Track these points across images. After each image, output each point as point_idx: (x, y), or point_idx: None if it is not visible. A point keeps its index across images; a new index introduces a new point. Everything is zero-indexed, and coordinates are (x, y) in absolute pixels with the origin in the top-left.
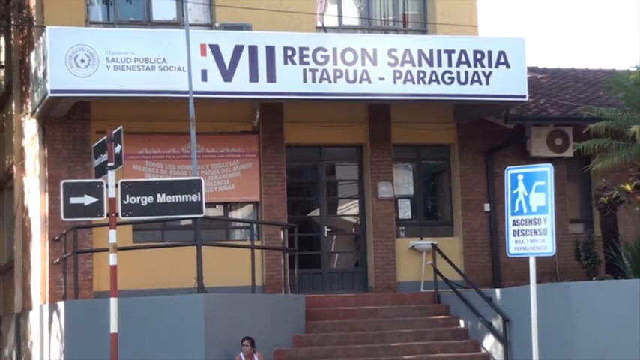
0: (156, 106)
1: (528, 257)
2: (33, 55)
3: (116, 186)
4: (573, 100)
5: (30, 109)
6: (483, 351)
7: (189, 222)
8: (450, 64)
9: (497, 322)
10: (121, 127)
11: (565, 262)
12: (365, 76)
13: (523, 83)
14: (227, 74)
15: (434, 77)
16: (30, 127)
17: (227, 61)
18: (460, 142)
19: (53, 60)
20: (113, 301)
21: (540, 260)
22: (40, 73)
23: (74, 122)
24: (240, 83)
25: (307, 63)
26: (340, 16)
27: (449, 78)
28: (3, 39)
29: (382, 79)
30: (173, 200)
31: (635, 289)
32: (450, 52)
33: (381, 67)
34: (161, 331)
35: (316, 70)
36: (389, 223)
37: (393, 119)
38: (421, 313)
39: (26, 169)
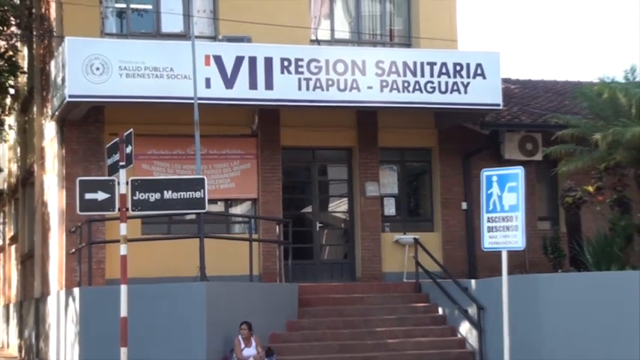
0: (164, 111)
1: (501, 251)
2: (53, 63)
3: (127, 183)
4: (542, 109)
5: (49, 113)
6: (459, 336)
7: (193, 216)
8: (431, 75)
9: (472, 310)
10: (131, 129)
11: (534, 256)
12: (354, 85)
13: (498, 93)
14: (229, 82)
15: (417, 87)
16: (49, 129)
17: (229, 70)
18: (440, 146)
19: (71, 68)
20: (123, 288)
21: (512, 254)
22: (59, 80)
23: (89, 125)
24: (241, 90)
25: (302, 72)
26: (332, 30)
27: (431, 88)
28: (26, 48)
29: (370, 88)
30: (178, 197)
31: (596, 280)
32: (431, 64)
33: (369, 77)
34: (167, 315)
35: (310, 79)
36: (375, 219)
37: (379, 124)
38: (403, 301)
39: (46, 167)
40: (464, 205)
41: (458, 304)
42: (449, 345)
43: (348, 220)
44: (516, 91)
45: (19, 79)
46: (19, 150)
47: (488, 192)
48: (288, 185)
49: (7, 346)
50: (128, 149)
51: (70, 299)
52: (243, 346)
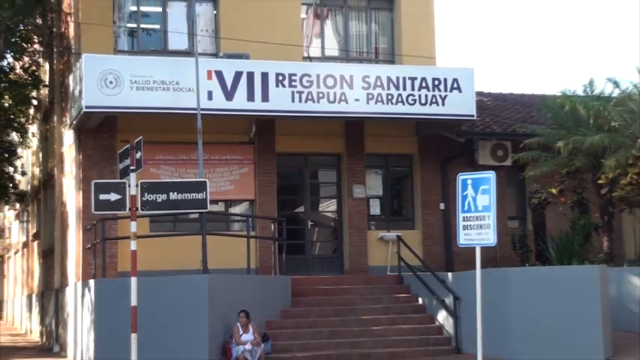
0: (170, 120)
1: (475, 247)
2: (71, 77)
3: (137, 185)
4: (512, 120)
5: (68, 122)
6: (437, 323)
7: (196, 215)
8: (413, 89)
9: (449, 300)
10: (141, 137)
11: (504, 251)
12: (343, 98)
13: (472, 105)
14: (229, 95)
15: (400, 99)
16: (68, 136)
17: (229, 84)
18: (420, 153)
19: (87, 81)
20: (133, 280)
21: (484, 250)
22: (76, 92)
23: (103, 133)
24: (240, 102)
25: (295, 86)
26: (323, 48)
27: (412, 100)
28: (47, 64)
29: (357, 100)
30: (183, 198)
31: (558, 273)
32: (412, 79)
33: (356, 91)
34: (172, 304)
35: (303, 92)
36: (361, 218)
37: (365, 133)
38: (387, 292)
39: (65, 171)
40: (442, 206)
41: (436, 294)
42: (428, 331)
43: (337, 219)
44: (488, 104)
45: (42, 92)
46: (40, 155)
47: (464, 194)
48: (283, 187)
49: (30, 332)
50: (138, 155)
51: (86, 290)
52: (241, 332)
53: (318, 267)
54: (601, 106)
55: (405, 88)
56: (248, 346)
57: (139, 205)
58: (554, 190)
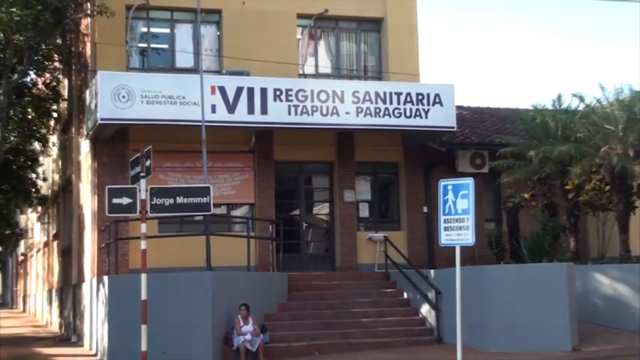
0: (177, 131)
1: (455, 246)
2: (87, 92)
3: (146, 190)
4: (488, 131)
5: (85, 133)
6: (421, 316)
7: (201, 218)
8: (398, 103)
9: (431, 295)
10: (150, 146)
11: (481, 250)
12: (335, 111)
13: (452, 118)
14: (231, 108)
15: (387, 112)
16: (84, 146)
17: (231, 98)
18: (405, 161)
19: (102, 96)
20: (143, 276)
21: (463, 249)
22: (92, 106)
23: (116, 142)
24: (241, 115)
25: (291, 100)
26: (317, 66)
27: (398, 113)
28: (66, 80)
29: (348, 113)
30: (188, 201)
31: (530, 270)
32: (398, 94)
33: (347, 105)
34: (179, 298)
35: (298, 105)
36: (352, 220)
37: (355, 143)
38: (375, 287)
39: (81, 177)
40: (425, 209)
41: (420, 289)
42: (412, 323)
43: (329, 220)
44: (467, 116)
45: (61, 105)
46: (60, 163)
47: (445, 198)
48: (280, 192)
49: (50, 324)
50: (148, 163)
51: (101, 285)
52: (242, 323)
53: (312, 264)
54: (568, 118)
55: (391, 102)
56: (248, 337)
57: (148, 208)
58: (526, 195)
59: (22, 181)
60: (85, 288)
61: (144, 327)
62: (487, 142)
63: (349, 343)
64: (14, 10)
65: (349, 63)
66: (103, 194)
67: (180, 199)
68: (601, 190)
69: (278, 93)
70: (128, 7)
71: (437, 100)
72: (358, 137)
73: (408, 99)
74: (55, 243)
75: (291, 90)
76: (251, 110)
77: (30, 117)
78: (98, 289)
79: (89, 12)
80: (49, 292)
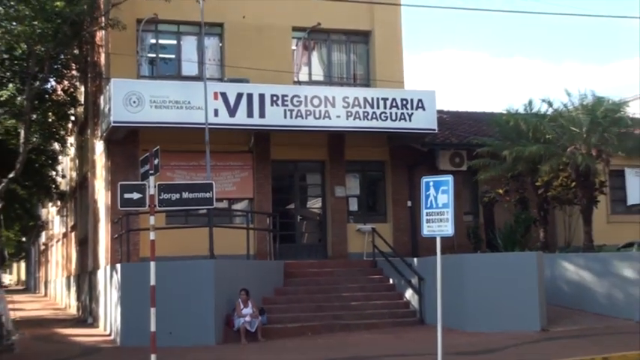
0: (183, 133)
1: (436, 237)
2: (102, 97)
3: (155, 186)
4: (466, 133)
5: (99, 134)
6: (405, 299)
7: (204, 211)
8: (384, 107)
9: (414, 280)
10: (158, 146)
11: (460, 240)
12: (327, 115)
13: (434, 121)
14: (232, 112)
15: (374, 116)
16: (99, 146)
17: (232, 103)
18: (391, 160)
19: (115, 101)
20: (152, 264)
21: (444, 239)
22: (106, 110)
23: (128, 143)
24: (241, 118)
25: (287, 105)
26: (310, 74)
27: (384, 117)
28: (83, 87)
29: (338, 116)
30: (193, 196)
31: (504, 258)
32: (384, 99)
33: (337, 109)
34: (185, 284)
35: (293, 110)
36: (342, 213)
37: (345, 144)
38: (363, 274)
39: (96, 174)
40: (409, 203)
41: (404, 276)
42: (397, 306)
43: (321, 214)
44: (447, 119)
45: (78, 110)
46: (77, 162)
47: (427, 193)
48: (276, 188)
49: (69, 307)
50: (156, 161)
51: (114, 272)
52: (242, 306)
53: (306, 253)
54: (538, 122)
55: (378, 107)
56: (248, 318)
57: (156, 202)
58: (500, 191)
59: (43, 178)
60: (100, 274)
61: (153, 310)
62: (465, 142)
63: (340, 324)
64: (36, 23)
65: (340, 71)
66: (115, 190)
67: (185, 194)
68: (567, 186)
69: (275, 98)
70: (139, 20)
71: (419, 105)
72: (348, 138)
73: (394, 104)
74: (73, 234)
75: (286, 96)
76: (250, 114)
77: (50, 120)
78: (111, 276)
79: (103, 25)
80: (68, 278)
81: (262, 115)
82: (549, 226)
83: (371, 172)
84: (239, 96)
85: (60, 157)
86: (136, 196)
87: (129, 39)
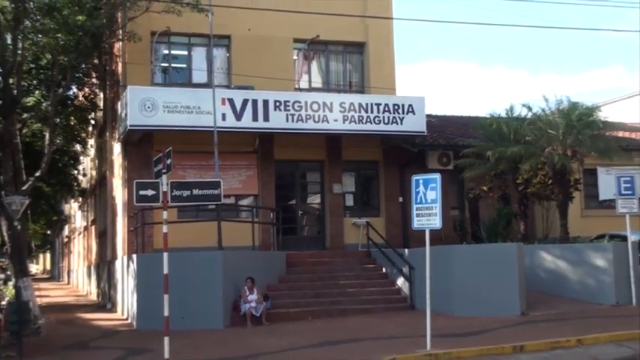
0: (193, 136)
1: (425, 230)
2: (119, 103)
3: (167, 184)
4: (453, 135)
5: (117, 137)
6: (397, 287)
7: (213, 206)
8: (378, 112)
9: (405, 269)
10: (171, 148)
11: (447, 233)
12: (325, 119)
13: (423, 124)
14: (238, 116)
15: (368, 120)
16: (116, 147)
17: (238, 108)
18: (384, 159)
19: (131, 107)
20: (165, 255)
21: (432, 232)
22: (123, 115)
23: (143, 145)
24: (246, 122)
25: (289, 110)
26: (310, 81)
27: (378, 120)
28: (102, 93)
29: (336, 120)
30: (203, 193)
31: (488, 249)
32: (378, 105)
33: (335, 113)
34: (195, 273)
35: (294, 114)
36: (339, 208)
37: (342, 145)
38: (359, 263)
39: (114, 173)
40: (400, 199)
41: (396, 265)
42: (390, 292)
43: (320, 209)
44: (435, 123)
45: (97, 114)
46: (96, 162)
47: (417, 190)
48: (279, 185)
49: (90, 294)
50: (168, 161)
51: (130, 262)
52: (248, 293)
53: (306, 245)
54: (518, 125)
55: (372, 112)
56: (253, 304)
57: (169, 198)
58: (485, 188)
59: (66, 176)
60: (118, 264)
61: (166, 296)
62: (452, 144)
63: (337, 309)
64: (60, 35)
65: (337, 79)
66: (131, 187)
67: (195, 191)
68: (545, 183)
69: (278, 104)
70: (153, 33)
71: (410, 109)
72: (345, 140)
73: (386, 109)
74: (93, 227)
75: (288, 101)
76: (255, 118)
77: (72, 124)
78: (128, 265)
79: (121, 37)
80: (88, 267)
81: (266, 119)
82: (529, 220)
83: (366, 170)
84: (245, 102)
85: (81, 158)
86: (150, 192)
87: (144, 50)
